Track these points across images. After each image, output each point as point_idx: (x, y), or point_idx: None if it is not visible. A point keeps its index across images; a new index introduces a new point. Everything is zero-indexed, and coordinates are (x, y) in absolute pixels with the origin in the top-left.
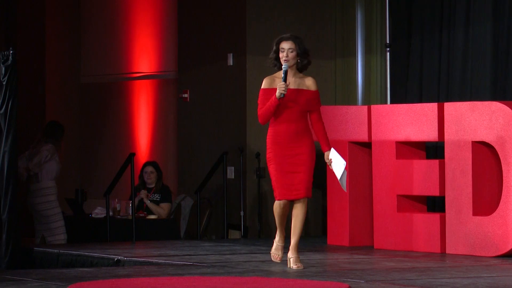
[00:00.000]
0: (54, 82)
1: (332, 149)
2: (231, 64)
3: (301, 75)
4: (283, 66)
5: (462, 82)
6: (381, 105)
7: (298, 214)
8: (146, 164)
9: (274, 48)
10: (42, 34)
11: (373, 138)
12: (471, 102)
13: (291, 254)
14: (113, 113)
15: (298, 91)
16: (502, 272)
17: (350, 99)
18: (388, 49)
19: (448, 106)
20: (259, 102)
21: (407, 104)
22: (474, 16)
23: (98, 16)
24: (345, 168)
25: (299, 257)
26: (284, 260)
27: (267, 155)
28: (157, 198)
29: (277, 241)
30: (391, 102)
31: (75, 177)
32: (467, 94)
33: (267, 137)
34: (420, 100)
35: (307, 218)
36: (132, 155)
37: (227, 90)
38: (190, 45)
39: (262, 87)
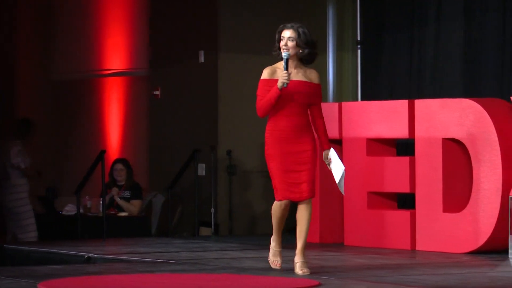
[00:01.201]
0: (25, 79)
1: (332, 149)
2: (203, 61)
3: (304, 67)
4: (283, 55)
5: (433, 79)
6: (352, 102)
7: (303, 216)
8: (116, 162)
9: (277, 36)
10: (13, 31)
11: (343, 135)
12: (442, 99)
13: (297, 259)
14: (84, 110)
15: (300, 83)
16: (472, 268)
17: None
18: (359, 46)
19: (419, 103)
20: (258, 93)
21: (378, 101)
22: (445, 13)
23: (69, 13)
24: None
25: (306, 262)
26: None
27: (267, 152)
28: (127, 195)
29: (273, 246)
30: (362, 99)
31: (46, 174)
32: (438, 91)
33: (266, 132)
34: (391, 97)
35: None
36: (102, 153)
37: (199, 87)
38: (161, 42)
39: (262, 77)
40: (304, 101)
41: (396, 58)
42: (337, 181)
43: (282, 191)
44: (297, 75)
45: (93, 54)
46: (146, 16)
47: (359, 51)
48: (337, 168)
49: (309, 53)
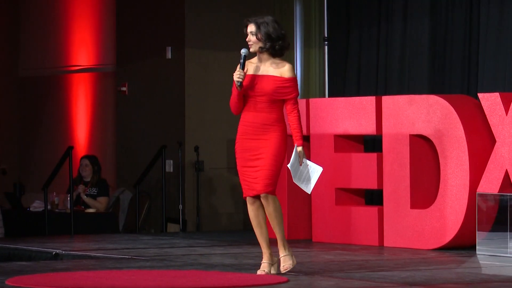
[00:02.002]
0: None
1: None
2: (170, 57)
3: (277, 60)
4: (241, 51)
5: (400, 75)
6: (320, 99)
7: (267, 212)
8: (83, 158)
9: (244, 32)
10: None
11: (311, 131)
12: (409, 95)
13: (279, 254)
14: (52, 106)
15: (265, 78)
16: (439, 264)
17: None
18: (326, 42)
19: (386, 100)
20: (232, 90)
21: (345, 98)
22: (412, 10)
23: (36, 9)
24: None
25: (288, 256)
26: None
27: (235, 146)
28: (94, 192)
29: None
30: (330, 96)
31: (13, 170)
32: (405, 88)
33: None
34: (358, 94)
35: (242, 210)
36: (70, 149)
37: (166, 83)
38: (128, 38)
39: None
40: (271, 98)
41: (363, 55)
42: (314, 181)
43: (243, 188)
44: (267, 69)
45: (60, 50)
46: (113, 11)
47: (326, 47)
48: (313, 169)
49: (271, 46)
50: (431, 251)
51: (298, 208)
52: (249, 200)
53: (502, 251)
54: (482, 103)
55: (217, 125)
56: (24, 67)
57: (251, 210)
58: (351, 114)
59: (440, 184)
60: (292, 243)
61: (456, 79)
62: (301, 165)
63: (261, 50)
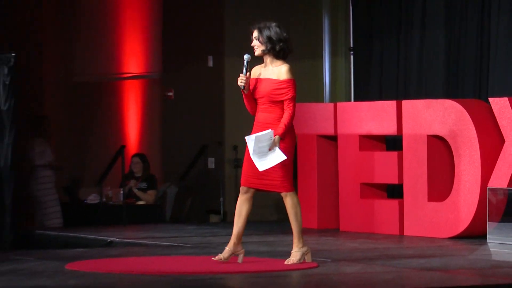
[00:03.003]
0: (50, 81)
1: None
2: (211, 65)
3: (278, 63)
4: (244, 57)
5: (418, 81)
6: (346, 103)
7: (287, 209)
8: (134, 156)
9: None
10: (39, 38)
11: (338, 132)
12: (426, 99)
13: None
14: (105, 110)
15: (265, 81)
16: (453, 252)
17: (318, 97)
18: (351, 52)
19: (406, 103)
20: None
21: (369, 102)
22: (428, 22)
23: (91, 21)
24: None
25: (296, 252)
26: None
27: None
28: (144, 186)
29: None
30: (355, 100)
31: (71, 166)
32: (423, 93)
33: None
34: (380, 98)
35: (278, 202)
36: (122, 148)
37: (207, 89)
38: (174, 48)
39: None
40: (270, 99)
41: (384, 63)
42: (270, 164)
43: (242, 177)
44: (268, 72)
45: (111, 59)
46: (159, 24)
47: (351, 56)
48: (277, 155)
49: (272, 48)
50: (446, 240)
51: (327, 201)
52: (242, 190)
53: (510, 240)
54: (492, 107)
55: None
56: (79, 73)
57: (240, 199)
58: (374, 116)
59: (455, 179)
60: (321, 232)
61: (469, 85)
62: (270, 150)
63: (264, 52)
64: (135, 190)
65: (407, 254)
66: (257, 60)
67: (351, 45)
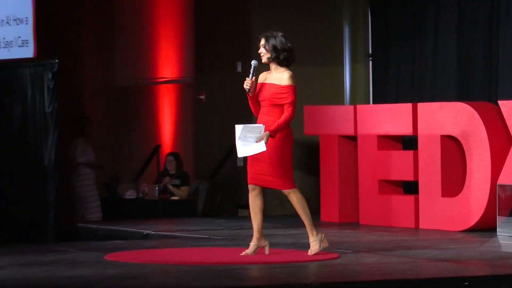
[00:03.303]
0: (91, 85)
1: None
2: (240, 70)
3: (282, 70)
4: (251, 62)
5: (432, 85)
6: (365, 105)
7: (293, 205)
8: (168, 154)
9: None
10: (81, 45)
11: (358, 132)
12: (440, 102)
13: (309, 240)
14: (142, 112)
15: (267, 86)
16: (465, 244)
17: (339, 100)
18: (370, 58)
19: (421, 106)
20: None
21: (387, 104)
22: (442, 30)
23: (128, 29)
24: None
25: (315, 241)
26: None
27: None
28: (177, 182)
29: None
30: (373, 103)
31: (110, 164)
32: (436, 96)
33: None
34: (397, 101)
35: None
36: (157, 147)
37: (236, 92)
38: (205, 55)
39: None
40: (272, 102)
41: (401, 68)
42: (250, 152)
43: (248, 176)
44: (271, 78)
45: (148, 64)
46: (192, 32)
47: (370, 62)
48: (259, 145)
49: (276, 56)
50: (458, 233)
51: (347, 197)
52: (249, 187)
53: None
54: (501, 109)
55: None
56: (118, 78)
57: (250, 196)
58: (391, 118)
59: (466, 177)
60: (342, 225)
61: (479, 89)
62: (257, 142)
63: (269, 60)
64: (169, 187)
65: (422, 246)
66: (265, 66)
67: (370, 52)
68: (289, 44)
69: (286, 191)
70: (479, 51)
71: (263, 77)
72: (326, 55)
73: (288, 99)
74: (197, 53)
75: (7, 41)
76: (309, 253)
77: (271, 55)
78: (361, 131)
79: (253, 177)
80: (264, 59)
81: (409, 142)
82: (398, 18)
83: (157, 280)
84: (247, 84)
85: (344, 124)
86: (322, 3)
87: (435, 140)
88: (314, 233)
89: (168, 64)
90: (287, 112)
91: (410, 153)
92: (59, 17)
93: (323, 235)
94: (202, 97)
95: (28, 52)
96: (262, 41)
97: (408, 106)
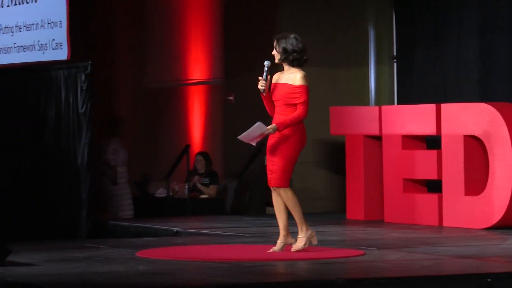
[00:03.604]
0: (123, 87)
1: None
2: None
3: (294, 70)
4: (264, 63)
5: (455, 86)
6: (390, 106)
7: (285, 202)
8: (198, 154)
9: None
10: (113, 47)
11: (383, 132)
12: (463, 103)
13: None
14: (172, 112)
15: (281, 86)
16: (488, 241)
17: (364, 101)
18: (394, 60)
19: (444, 106)
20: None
21: (411, 105)
22: (464, 32)
23: (158, 32)
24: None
25: (302, 238)
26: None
27: None
28: (206, 181)
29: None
30: (398, 103)
31: (141, 164)
32: (459, 97)
33: None
34: (421, 101)
35: (328, 196)
36: (187, 146)
37: None
38: (234, 57)
39: None
40: (285, 102)
41: (424, 69)
42: (248, 131)
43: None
44: (284, 78)
45: (178, 66)
46: (221, 35)
47: (394, 64)
48: (257, 126)
49: (286, 58)
50: (481, 230)
51: (372, 195)
52: (272, 188)
53: None
54: None
55: (305, 127)
56: (149, 80)
57: (273, 196)
58: (415, 118)
59: (489, 175)
60: (367, 223)
61: (501, 89)
62: (261, 136)
63: (280, 61)
64: (199, 185)
65: (445, 243)
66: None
67: (394, 54)
68: (300, 45)
69: (278, 189)
70: (501, 53)
71: (276, 77)
72: (351, 57)
73: (300, 98)
74: (226, 55)
75: (41, 44)
76: (292, 249)
77: (281, 56)
78: (386, 131)
79: (269, 179)
80: (276, 60)
81: (432, 142)
82: (422, 21)
83: (187, 276)
84: (262, 84)
85: (369, 124)
86: (347, 7)
87: (458, 140)
88: (304, 228)
89: (198, 66)
90: (299, 110)
91: (433, 152)
92: (92, 20)
93: (314, 232)
94: (231, 98)
95: (62, 54)
96: (275, 43)
97: (431, 107)
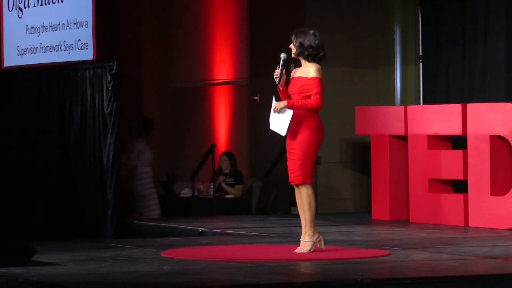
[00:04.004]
0: (149, 87)
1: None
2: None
3: (310, 64)
4: (281, 55)
5: (481, 86)
6: (415, 106)
7: (302, 199)
8: (223, 154)
9: None
10: (139, 48)
11: (409, 132)
12: (489, 103)
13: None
14: (198, 112)
15: (297, 79)
16: None
17: (390, 101)
18: (420, 60)
19: (470, 106)
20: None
21: (437, 105)
22: (491, 31)
23: (184, 32)
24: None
25: (307, 242)
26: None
27: None
28: (232, 181)
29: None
30: (423, 103)
31: (167, 163)
32: (486, 97)
33: None
34: (447, 101)
35: (353, 196)
36: (212, 147)
37: None
38: (259, 57)
39: None
40: (301, 95)
41: (450, 70)
42: (284, 124)
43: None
44: (299, 72)
45: (204, 67)
46: (247, 35)
47: (420, 64)
48: (286, 113)
49: (301, 52)
50: (507, 230)
51: (398, 195)
52: (294, 186)
53: None
54: None
55: (331, 127)
56: (175, 80)
57: (296, 194)
58: (441, 118)
59: None
60: (393, 223)
61: None
62: (276, 111)
63: (296, 55)
64: (224, 185)
65: (471, 244)
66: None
67: (420, 54)
68: (317, 41)
69: (300, 185)
70: None
71: (293, 72)
72: (377, 57)
73: (314, 89)
74: (251, 55)
75: (67, 44)
76: (296, 251)
77: (297, 50)
78: (412, 131)
79: (290, 176)
80: (292, 54)
81: (458, 142)
82: (448, 21)
83: (212, 276)
84: (277, 76)
85: (395, 124)
86: (373, 7)
87: (484, 140)
88: (311, 232)
89: (223, 66)
90: (312, 99)
91: (459, 152)
92: (118, 21)
93: (321, 237)
94: (256, 98)
95: (88, 54)
96: (293, 37)
97: (457, 107)
